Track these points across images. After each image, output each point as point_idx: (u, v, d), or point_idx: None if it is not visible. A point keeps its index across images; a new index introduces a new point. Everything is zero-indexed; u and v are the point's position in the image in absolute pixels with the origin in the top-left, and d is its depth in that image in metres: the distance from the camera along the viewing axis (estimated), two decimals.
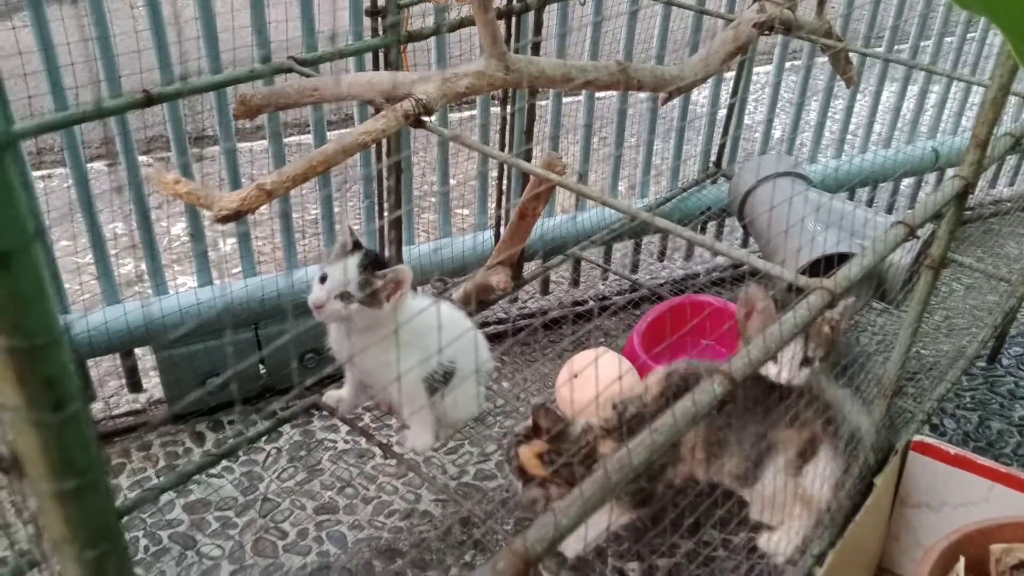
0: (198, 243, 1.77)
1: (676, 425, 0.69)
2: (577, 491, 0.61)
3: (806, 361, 1.39)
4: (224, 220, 0.95)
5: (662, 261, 2.37)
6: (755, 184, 2.00)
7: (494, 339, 2.04)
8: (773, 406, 1.32)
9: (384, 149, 1.47)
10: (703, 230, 2.32)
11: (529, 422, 1.31)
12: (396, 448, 1.54)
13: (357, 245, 1.29)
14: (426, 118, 1.08)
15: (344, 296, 1.26)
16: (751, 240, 2.26)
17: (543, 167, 1.34)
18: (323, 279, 1.27)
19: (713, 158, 2.27)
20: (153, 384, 1.85)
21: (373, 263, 1.27)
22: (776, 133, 2.48)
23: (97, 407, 1.82)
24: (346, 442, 1.74)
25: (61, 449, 0.37)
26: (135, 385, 1.83)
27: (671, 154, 2.25)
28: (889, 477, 1.38)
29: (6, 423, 0.36)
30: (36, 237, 0.35)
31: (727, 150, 2.27)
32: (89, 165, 1.68)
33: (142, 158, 1.70)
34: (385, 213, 1.54)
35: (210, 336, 1.73)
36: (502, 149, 1.71)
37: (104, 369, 1.85)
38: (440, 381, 1.38)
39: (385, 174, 1.45)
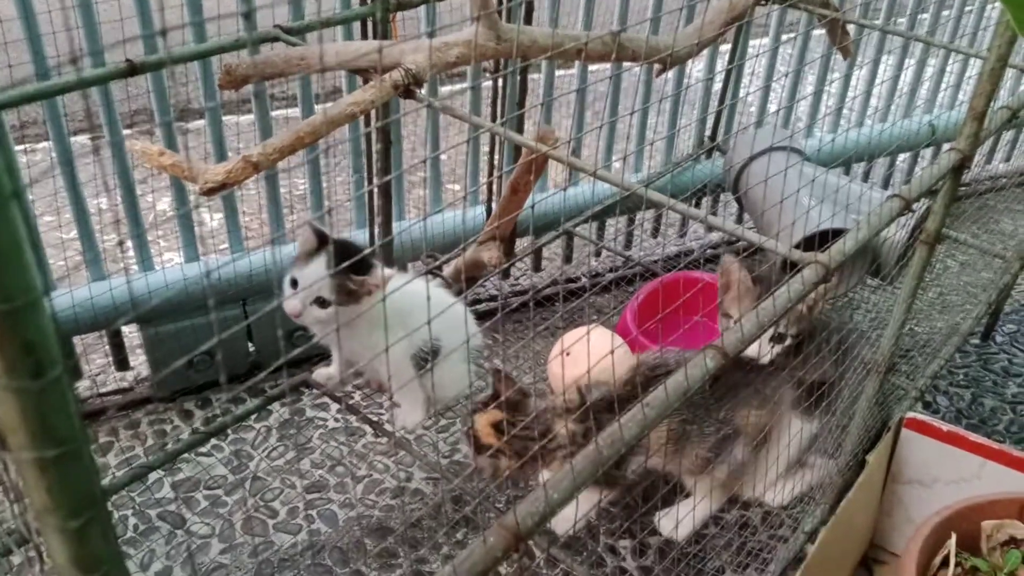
0: (184, 218, 1.74)
1: (668, 400, 0.67)
2: (568, 466, 0.59)
3: (778, 338, 1.38)
4: (209, 193, 0.93)
5: (656, 237, 2.35)
6: (750, 158, 1.98)
7: (485, 316, 2.02)
8: (739, 386, 1.31)
9: (373, 122, 1.45)
10: (698, 205, 2.30)
11: (491, 391, 1.30)
12: (387, 426, 1.53)
13: (323, 240, 1.23)
14: (416, 88, 1.05)
15: (320, 302, 1.22)
16: (746, 215, 2.25)
17: (536, 140, 1.32)
18: (293, 283, 1.23)
19: (708, 132, 2.24)
20: (140, 361, 1.83)
21: (343, 256, 1.21)
22: (772, 107, 2.45)
23: (84, 384, 1.80)
24: (336, 420, 1.73)
25: (42, 417, 0.36)
26: (122, 363, 1.81)
27: (665, 128, 2.22)
28: (881, 454, 1.37)
29: None
30: (12, 196, 0.33)
31: (722, 123, 2.25)
32: (73, 139, 1.65)
33: (126, 131, 1.66)
34: (375, 188, 1.52)
35: (197, 313, 1.71)
36: (493, 121, 1.68)
37: (90, 346, 1.83)
38: (426, 359, 1.36)
39: (374, 146, 1.42)
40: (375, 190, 1.44)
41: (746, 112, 2.48)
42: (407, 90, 1.02)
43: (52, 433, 0.37)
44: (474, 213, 1.94)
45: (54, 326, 0.36)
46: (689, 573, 1.44)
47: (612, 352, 1.42)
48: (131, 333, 1.83)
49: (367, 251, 1.36)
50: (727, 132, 2.26)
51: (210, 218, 2.29)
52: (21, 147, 2.18)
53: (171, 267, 1.74)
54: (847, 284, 1.77)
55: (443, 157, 1.97)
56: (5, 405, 0.35)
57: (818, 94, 2.35)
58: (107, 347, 1.80)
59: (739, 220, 2.35)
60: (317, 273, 1.22)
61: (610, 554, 1.49)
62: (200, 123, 1.74)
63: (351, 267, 1.21)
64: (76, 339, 1.72)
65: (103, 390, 1.80)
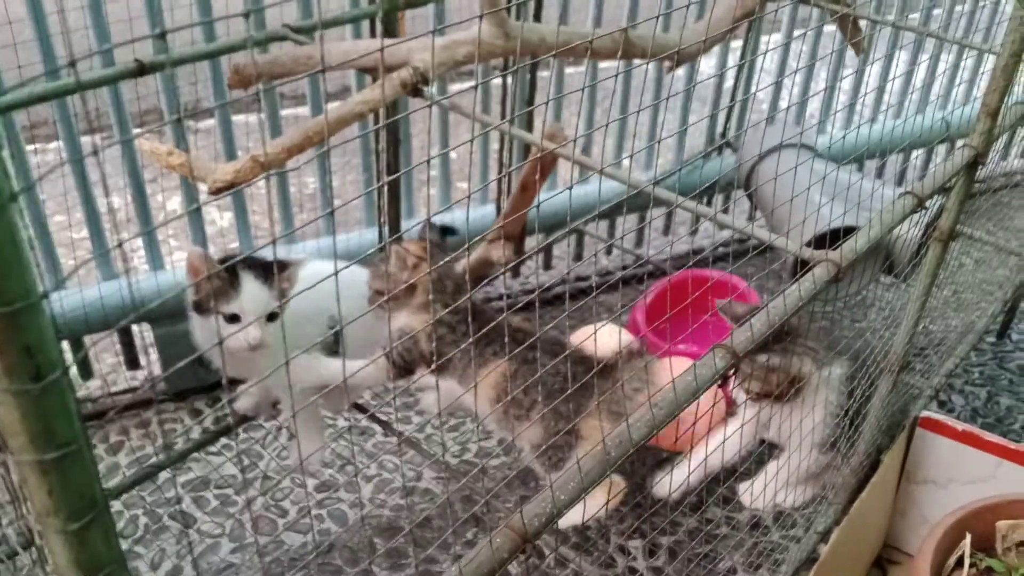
0: (194, 217, 1.75)
1: (676, 399, 0.67)
2: (576, 467, 0.59)
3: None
4: (218, 192, 0.92)
5: (667, 235, 2.34)
6: (761, 156, 1.96)
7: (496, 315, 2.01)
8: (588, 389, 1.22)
9: (381, 120, 1.44)
10: (709, 203, 2.29)
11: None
12: (396, 426, 1.53)
13: (231, 266, 1.18)
14: (424, 87, 1.04)
15: (273, 318, 1.19)
16: (758, 213, 2.23)
17: (544, 139, 1.31)
18: (233, 318, 1.18)
19: (720, 129, 2.23)
20: (152, 360, 1.83)
21: (265, 268, 1.18)
22: (783, 103, 2.43)
23: (95, 384, 1.80)
24: (346, 420, 1.73)
25: (42, 419, 0.36)
26: (133, 362, 1.81)
27: (676, 125, 2.21)
28: (896, 453, 1.36)
29: None
30: (10, 200, 0.33)
31: (733, 121, 2.23)
32: (83, 138, 1.66)
33: (136, 131, 1.67)
34: (384, 185, 1.51)
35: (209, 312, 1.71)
36: (503, 119, 1.67)
37: (101, 346, 1.84)
38: (333, 346, 1.31)
39: (383, 147, 1.42)
40: (384, 189, 1.43)
41: (757, 109, 2.47)
42: (415, 88, 1.02)
43: (52, 436, 0.36)
44: (483, 211, 1.94)
45: (54, 329, 0.36)
46: (700, 574, 1.43)
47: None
48: (143, 333, 1.83)
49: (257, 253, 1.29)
50: (738, 129, 2.24)
51: (220, 217, 2.29)
52: (32, 147, 2.19)
53: (182, 266, 1.74)
54: (859, 282, 1.75)
55: (452, 156, 1.97)
56: (5, 408, 0.35)
57: (830, 90, 2.33)
58: (117, 346, 1.80)
59: (751, 218, 2.33)
60: (260, 294, 1.18)
61: (621, 554, 1.48)
62: (210, 123, 1.74)
63: (268, 268, 1.18)
64: (87, 339, 1.73)
65: (114, 389, 1.81)
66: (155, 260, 1.73)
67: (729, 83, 2.19)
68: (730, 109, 2.19)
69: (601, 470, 0.59)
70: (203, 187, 0.94)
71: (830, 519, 1.34)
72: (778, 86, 2.26)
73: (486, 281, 1.69)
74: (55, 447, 0.37)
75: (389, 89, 0.97)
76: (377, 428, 1.67)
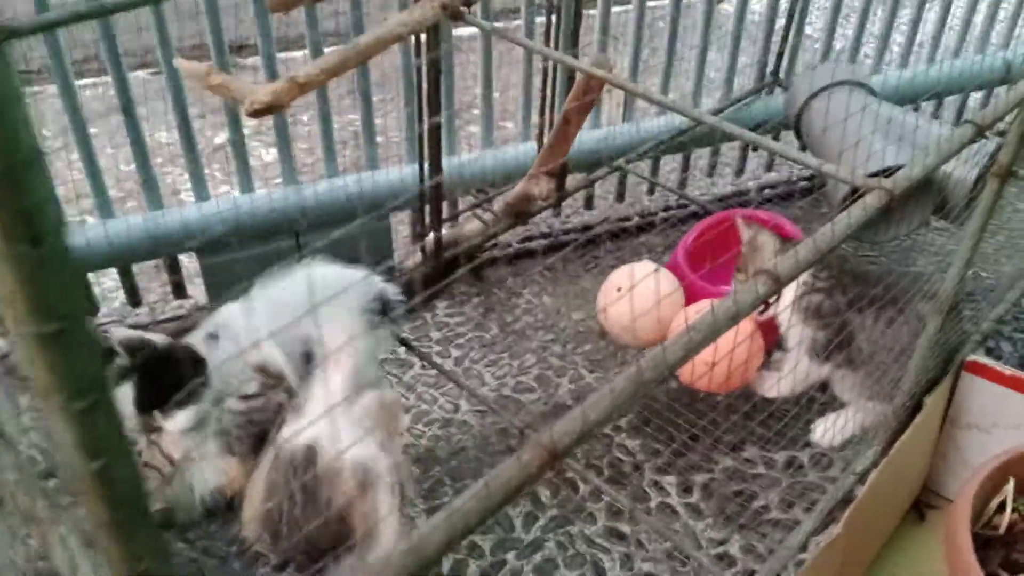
0: (239, 150, 1.76)
1: (716, 323, 0.66)
2: (608, 387, 0.58)
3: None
4: (257, 114, 0.92)
5: (711, 177, 2.30)
6: (813, 94, 1.91)
7: (535, 254, 2.01)
8: None
9: (424, 52, 1.42)
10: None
11: None
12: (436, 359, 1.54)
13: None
14: (465, 10, 1.03)
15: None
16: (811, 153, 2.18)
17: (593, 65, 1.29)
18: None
19: (770, 68, 2.17)
20: (199, 290, 1.86)
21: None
22: (838, 44, 2.35)
23: (143, 311, 1.85)
24: (385, 351, 1.74)
25: (41, 288, 0.33)
26: (179, 290, 1.85)
27: (725, 63, 2.15)
28: (940, 397, 1.34)
29: None
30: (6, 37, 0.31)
31: (785, 59, 2.16)
32: (132, 73, 1.67)
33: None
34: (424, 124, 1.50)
35: (253, 243, 1.73)
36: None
37: (148, 275, 1.87)
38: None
39: (424, 80, 1.40)
40: (424, 125, 1.42)
41: (811, 48, 2.39)
42: (455, 12, 1.00)
43: (52, 307, 0.34)
44: (525, 148, 1.92)
45: (54, 194, 0.34)
46: (733, 511, 1.43)
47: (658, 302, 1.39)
48: (189, 263, 1.86)
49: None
50: (790, 69, 2.18)
51: (265, 152, 2.30)
52: (83, 82, 2.21)
53: (225, 198, 1.76)
54: (909, 224, 1.70)
55: (495, 95, 1.94)
56: (1, 273, 0.33)
57: (886, 33, 2.24)
58: (164, 275, 1.83)
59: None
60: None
61: (655, 489, 1.49)
62: (255, 59, 1.74)
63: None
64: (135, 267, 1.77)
65: (161, 317, 1.84)
66: (201, 192, 1.75)
67: (781, 21, 2.12)
68: (782, 45, 2.12)
69: (634, 390, 0.59)
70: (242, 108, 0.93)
71: (869, 460, 1.33)
72: (832, 23, 2.18)
73: (528, 219, 1.68)
74: (55, 319, 0.34)
75: (428, 10, 0.95)
76: (416, 360, 1.69)
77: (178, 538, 1.18)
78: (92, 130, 1.66)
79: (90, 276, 1.74)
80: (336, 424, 1.09)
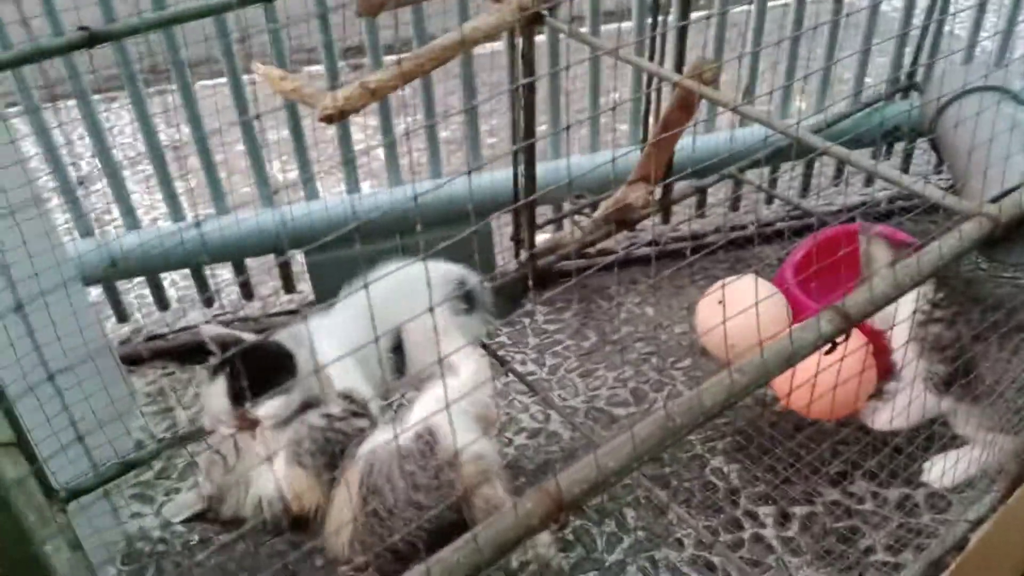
0: (347, 154, 1.79)
1: (765, 366, 0.60)
2: (629, 432, 0.54)
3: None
4: (328, 120, 0.93)
5: (837, 185, 2.16)
6: (951, 99, 1.75)
7: (642, 262, 1.95)
8: None
9: (519, 56, 1.40)
10: (889, 151, 2.08)
11: None
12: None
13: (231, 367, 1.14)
14: (546, 13, 0.99)
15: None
16: (945, 165, 2.01)
17: (690, 71, 1.22)
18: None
19: (906, 70, 2.01)
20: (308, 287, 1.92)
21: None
22: (988, 45, 2.16)
23: (256, 306, 1.92)
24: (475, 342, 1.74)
25: None
26: (289, 287, 1.91)
27: (854, 65, 2.01)
28: None
29: None
30: None
31: (922, 60, 2.00)
32: (245, 76, 1.74)
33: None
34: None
35: (356, 243, 1.76)
36: (651, 59, 1.58)
37: (261, 271, 1.94)
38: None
39: (519, 85, 1.37)
40: (519, 129, 1.39)
41: (951, 48, 2.20)
42: (535, 15, 0.97)
43: None
44: (632, 156, 1.86)
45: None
46: (835, 549, 1.33)
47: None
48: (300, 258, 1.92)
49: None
50: (927, 71, 2.01)
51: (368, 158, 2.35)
52: (203, 83, 2.33)
53: (333, 197, 1.80)
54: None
55: (610, 96, 1.90)
56: None
57: None
58: (276, 271, 1.90)
59: (938, 169, 2.11)
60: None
61: (749, 519, 1.41)
62: (318, 68, 1.76)
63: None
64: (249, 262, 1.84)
65: (272, 311, 1.91)
66: (310, 192, 1.80)
67: (918, 20, 1.96)
68: (918, 47, 1.96)
69: (660, 438, 0.54)
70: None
71: (986, 507, 1.20)
72: (977, 21, 2.00)
73: (630, 228, 1.62)
74: None
75: (507, 14, 0.92)
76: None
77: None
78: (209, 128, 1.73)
79: (205, 270, 1.83)
80: (452, 415, 1.07)
